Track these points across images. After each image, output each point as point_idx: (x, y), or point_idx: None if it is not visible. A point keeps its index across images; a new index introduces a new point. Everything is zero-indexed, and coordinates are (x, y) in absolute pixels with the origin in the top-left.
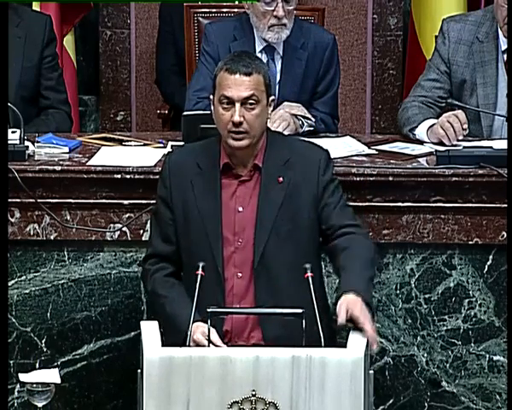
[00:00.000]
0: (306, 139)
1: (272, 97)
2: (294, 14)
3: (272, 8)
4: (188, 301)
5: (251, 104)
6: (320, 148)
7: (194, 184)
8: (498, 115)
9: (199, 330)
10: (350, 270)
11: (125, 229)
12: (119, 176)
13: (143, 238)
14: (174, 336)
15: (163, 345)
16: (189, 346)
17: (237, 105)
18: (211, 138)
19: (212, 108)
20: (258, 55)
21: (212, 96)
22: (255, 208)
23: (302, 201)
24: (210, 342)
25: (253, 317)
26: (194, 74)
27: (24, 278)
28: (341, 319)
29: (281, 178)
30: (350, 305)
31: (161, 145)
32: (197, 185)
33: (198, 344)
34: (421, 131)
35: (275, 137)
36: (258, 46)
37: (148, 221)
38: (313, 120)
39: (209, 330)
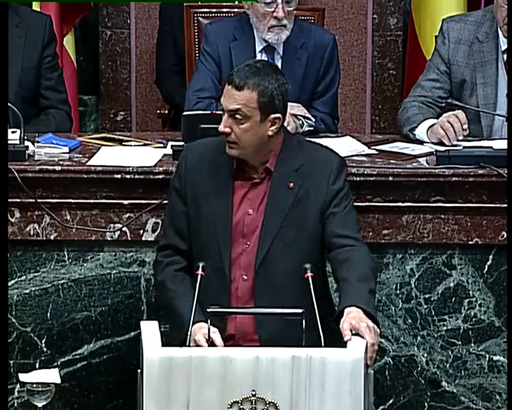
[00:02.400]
0: (323, 144)
1: (276, 116)
2: (294, 14)
3: (272, 9)
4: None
5: (239, 118)
6: (335, 154)
7: (207, 183)
8: (498, 115)
9: (200, 330)
10: (350, 284)
11: (125, 229)
12: (119, 176)
13: (143, 238)
14: (179, 331)
15: (163, 345)
16: (189, 346)
17: (225, 115)
18: None
19: None
20: (258, 55)
21: None
22: (263, 212)
23: (310, 208)
24: (211, 341)
25: (251, 323)
26: (194, 74)
27: (24, 278)
28: (348, 337)
29: (292, 184)
30: (353, 321)
31: (161, 145)
32: (210, 184)
33: (198, 345)
34: (421, 131)
35: (291, 142)
36: (258, 46)
37: (148, 221)
38: (313, 120)
39: (209, 330)
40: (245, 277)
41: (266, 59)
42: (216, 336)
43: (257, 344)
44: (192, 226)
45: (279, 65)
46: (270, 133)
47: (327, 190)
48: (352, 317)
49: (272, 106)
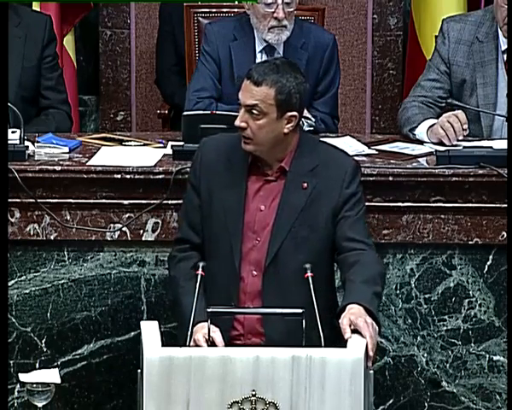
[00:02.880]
0: (337, 146)
1: (292, 113)
2: (295, 14)
3: (272, 10)
4: (202, 297)
5: (255, 114)
6: (350, 158)
7: (221, 177)
8: (498, 115)
9: (202, 330)
10: (355, 283)
11: (125, 229)
12: (119, 176)
13: (143, 238)
14: (183, 329)
15: (163, 345)
16: (189, 346)
17: (242, 110)
18: None
19: None
20: (258, 55)
21: None
22: (276, 210)
23: (322, 210)
24: (211, 341)
25: (258, 319)
26: (194, 74)
27: (24, 278)
28: (347, 334)
29: (305, 184)
30: (352, 317)
31: (161, 145)
32: (224, 179)
33: (197, 345)
34: (421, 131)
35: (306, 141)
36: (259, 46)
37: (148, 221)
38: (313, 119)
39: (209, 329)
40: (254, 273)
41: (266, 59)
42: (216, 335)
43: (263, 339)
44: (204, 219)
45: None
46: (285, 131)
47: (340, 193)
48: (352, 312)
49: (289, 104)
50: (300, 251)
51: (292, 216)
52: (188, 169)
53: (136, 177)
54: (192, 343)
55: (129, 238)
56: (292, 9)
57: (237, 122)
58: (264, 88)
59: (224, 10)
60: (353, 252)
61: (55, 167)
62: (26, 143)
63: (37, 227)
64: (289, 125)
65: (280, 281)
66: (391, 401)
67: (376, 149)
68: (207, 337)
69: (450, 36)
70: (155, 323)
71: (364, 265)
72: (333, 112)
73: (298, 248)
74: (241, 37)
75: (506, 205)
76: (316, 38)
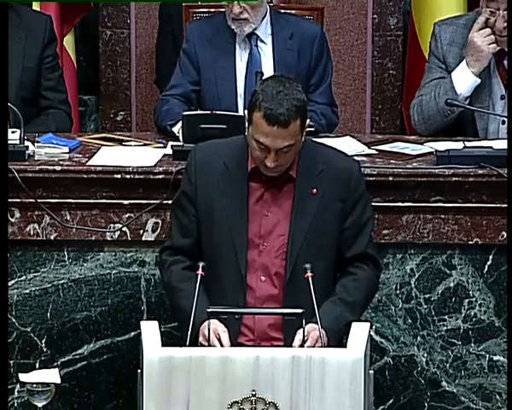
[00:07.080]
0: (337, 148)
1: (308, 123)
2: (294, 12)
3: (230, 6)
4: (204, 296)
5: (287, 148)
6: (352, 160)
7: (220, 185)
8: (498, 115)
9: (207, 329)
10: (330, 305)
11: (125, 229)
12: (119, 176)
13: (143, 238)
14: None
15: (163, 345)
16: (189, 345)
17: (272, 153)
18: (238, 137)
19: (247, 133)
20: (242, 44)
21: (247, 124)
22: (287, 217)
23: (333, 214)
24: (218, 339)
25: (274, 322)
26: None
27: (24, 278)
28: (295, 343)
29: (315, 190)
30: (308, 329)
31: (161, 145)
32: (223, 186)
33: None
34: (458, 75)
35: (307, 146)
36: (240, 35)
37: (148, 221)
38: (312, 124)
39: (209, 330)
40: (263, 278)
41: (250, 47)
42: (224, 336)
43: (275, 344)
44: (204, 229)
45: (269, 51)
46: (303, 140)
47: (348, 197)
48: (308, 326)
49: (306, 117)
50: (315, 256)
51: (306, 223)
52: None
53: (136, 177)
54: (201, 339)
55: (129, 238)
56: (254, 2)
57: (270, 165)
58: (292, 125)
59: (223, 10)
60: (344, 279)
61: (55, 167)
62: (26, 143)
63: (37, 227)
64: (304, 133)
65: (299, 289)
66: (391, 401)
67: (376, 149)
68: (218, 337)
69: (442, 38)
70: (155, 323)
71: (350, 288)
72: (330, 100)
73: (314, 255)
74: (223, 30)
75: (506, 205)
76: (303, 29)
